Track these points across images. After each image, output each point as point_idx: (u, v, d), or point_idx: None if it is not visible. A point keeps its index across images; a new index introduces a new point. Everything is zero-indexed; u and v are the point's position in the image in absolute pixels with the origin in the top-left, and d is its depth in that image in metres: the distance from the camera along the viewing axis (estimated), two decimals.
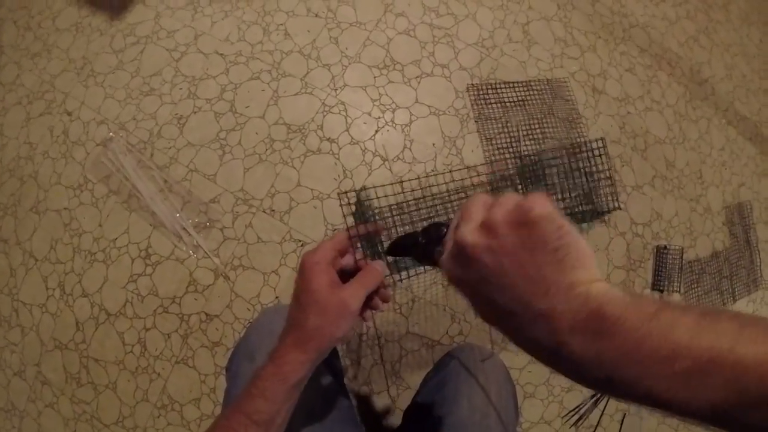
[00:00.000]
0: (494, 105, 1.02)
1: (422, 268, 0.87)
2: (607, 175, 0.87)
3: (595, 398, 0.92)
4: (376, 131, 0.98)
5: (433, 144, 0.99)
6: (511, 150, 0.99)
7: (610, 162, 0.88)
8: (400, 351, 0.89)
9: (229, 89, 0.99)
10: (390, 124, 0.99)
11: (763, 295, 1.11)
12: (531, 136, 1.00)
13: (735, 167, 1.17)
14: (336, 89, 1.00)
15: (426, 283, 0.91)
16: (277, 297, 0.89)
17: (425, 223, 0.50)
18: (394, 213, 0.77)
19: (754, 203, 1.16)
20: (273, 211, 0.92)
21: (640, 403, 0.22)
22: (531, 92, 1.05)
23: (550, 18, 1.15)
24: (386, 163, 0.96)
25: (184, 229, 0.90)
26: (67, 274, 0.91)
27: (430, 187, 0.59)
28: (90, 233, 0.92)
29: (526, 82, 1.05)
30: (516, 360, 0.91)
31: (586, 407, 0.91)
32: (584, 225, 0.98)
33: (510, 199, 0.26)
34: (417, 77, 1.03)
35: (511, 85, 1.04)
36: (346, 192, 0.58)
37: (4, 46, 1.11)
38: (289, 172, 0.94)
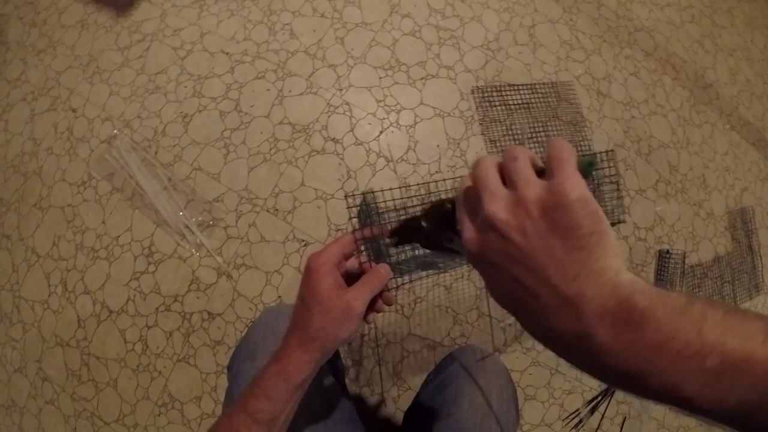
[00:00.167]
0: (499, 107, 1.02)
1: (424, 272, 0.87)
2: (616, 187, 0.86)
3: (593, 402, 0.92)
4: (381, 132, 0.98)
5: (438, 145, 0.99)
6: None
7: (618, 176, 0.87)
8: (402, 352, 0.88)
9: (234, 88, 0.99)
10: (395, 125, 0.99)
11: (764, 300, 1.10)
12: (535, 139, 1.00)
13: (738, 172, 1.17)
14: (341, 90, 1.00)
15: (428, 285, 0.91)
16: (279, 296, 0.89)
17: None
18: (399, 214, 0.77)
19: (757, 208, 1.16)
20: (276, 210, 0.92)
21: (657, 399, 0.21)
22: (536, 95, 1.05)
23: (555, 21, 1.15)
24: (390, 164, 0.96)
25: (188, 227, 0.90)
26: (70, 271, 0.91)
27: (436, 192, 0.59)
28: (93, 230, 0.93)
29: (530, 84, 1.05)
30: (517, 362, 0.91)
31: (586, 410, 0.91)
32: None
33: (525, 166, 0.26)
34: (422, 79, 1.03)
35: (516, 87, 1.04)
36: (352, 193, 0.58)
37: (10, 43, 1.11)
38: (293, 172, 0.94)
